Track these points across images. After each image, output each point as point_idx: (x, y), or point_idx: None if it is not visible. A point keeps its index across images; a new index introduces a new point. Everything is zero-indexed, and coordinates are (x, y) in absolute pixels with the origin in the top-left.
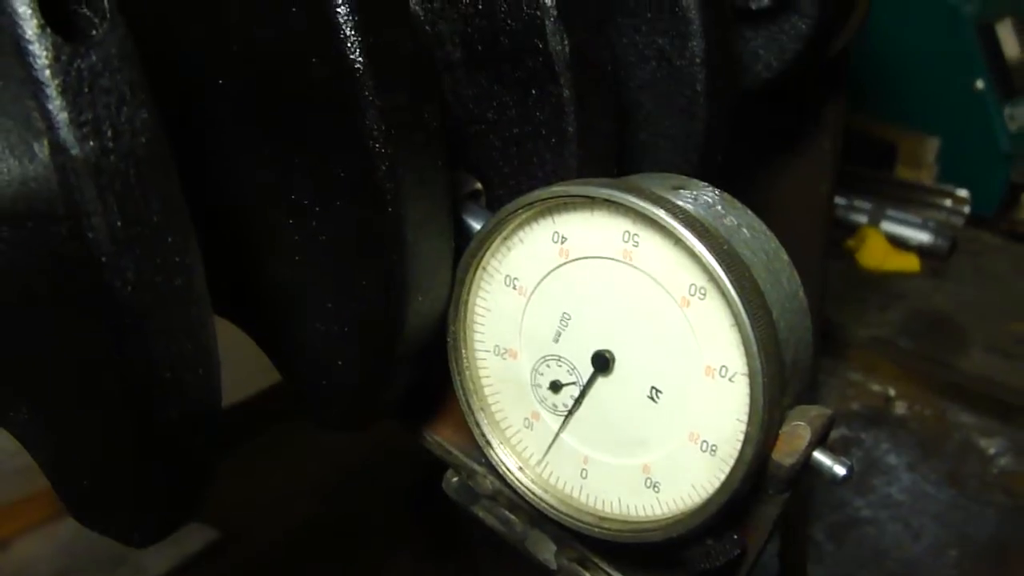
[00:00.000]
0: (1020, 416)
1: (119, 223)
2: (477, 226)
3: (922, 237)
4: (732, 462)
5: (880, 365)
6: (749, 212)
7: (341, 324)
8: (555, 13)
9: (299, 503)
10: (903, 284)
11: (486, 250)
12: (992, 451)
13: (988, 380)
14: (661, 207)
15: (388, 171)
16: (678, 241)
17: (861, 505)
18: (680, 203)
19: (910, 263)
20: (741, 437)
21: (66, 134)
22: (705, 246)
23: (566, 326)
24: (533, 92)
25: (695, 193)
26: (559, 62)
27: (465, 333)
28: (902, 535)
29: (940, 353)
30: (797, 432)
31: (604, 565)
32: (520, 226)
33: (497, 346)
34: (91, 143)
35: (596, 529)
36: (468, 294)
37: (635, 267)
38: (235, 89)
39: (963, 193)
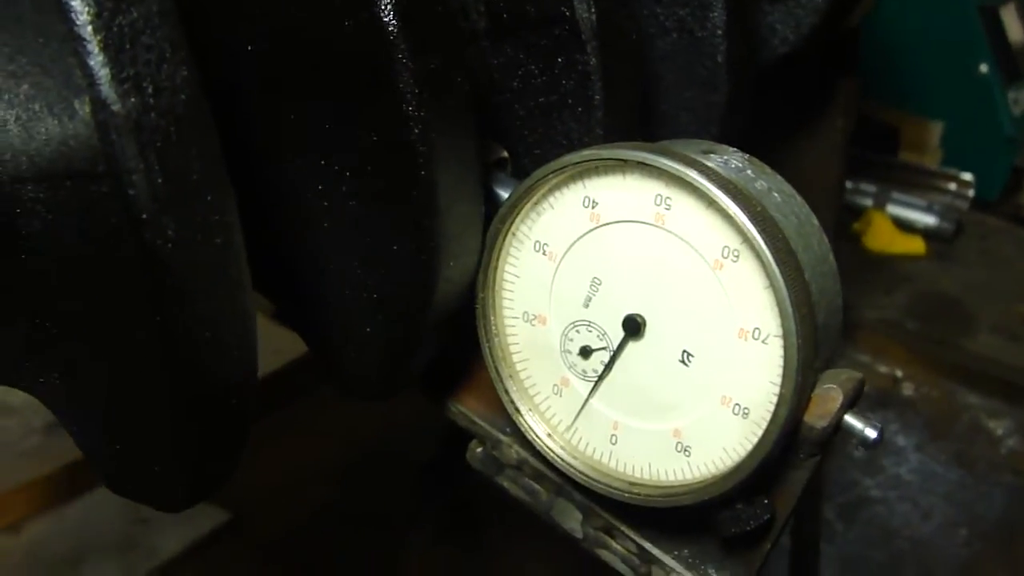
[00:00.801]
0: None
1: (160, 180)
2: (504, 194)
3: (928, 220)
4: (765, 424)
5: (887, 347)
6: (778, 176)
7: (371, 291)
8: None
9: (310, 486)
10: (909, 267)
11: (516, 215)
12: (1000, 432)
13: (995, 361)
14: (695, 169)
15: (421, 134)
16: (711, 203)
17: (870, 485)
18: (711, 165)
19: (916, 246)
20: (774, 399)
21: (108, 90)
22: (739, 207)
23: (596, 291)
24: (559, 61)
25: (725, 157)
26: (586, 30)
27: (494, 300)
28: (911, 515)
29: (947, 335)
30: (829, 395)
31: (630, 533)
32: (550, 191)
33: (526, 312)
34: (132, 99)
35: (627, 494)
36: (497, 260)
37: (667, 230)
38: (266, 54)
39: (967, 177)
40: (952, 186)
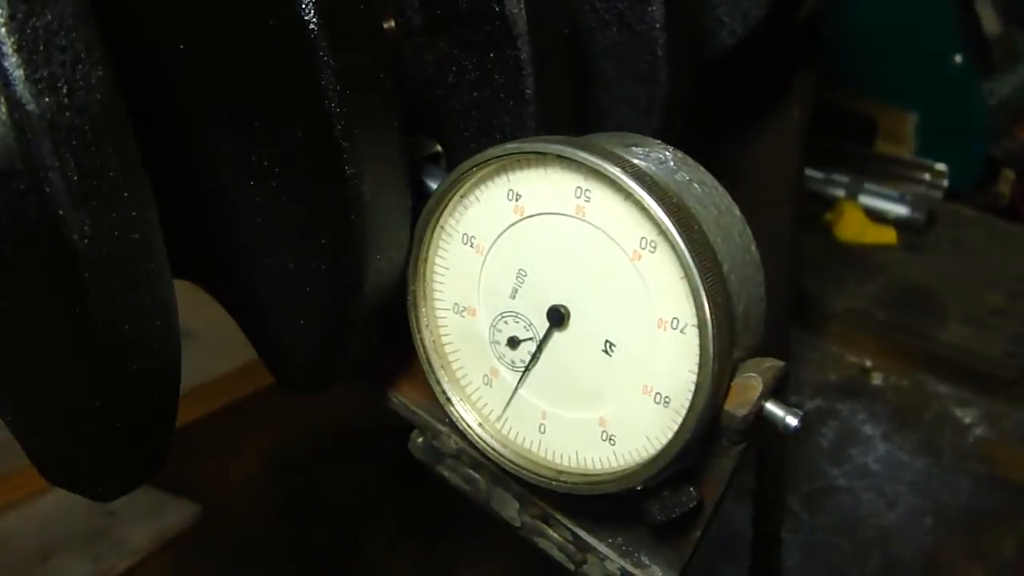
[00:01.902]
0: (995, 386)
1: (75, 178)
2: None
3: (899, 210)
4: (684, 412)
5: (857, 337)
6: (702, 168)
7: (301, 284)
8: None
9: (278, 479)
10: (880, 257)
11: (443, 209)
12: (967, 421)
13: (964, 351)
14: (611, 162)
15: (344, 130)
16: (628, 195)
17: (837, 474)
18: (631, 159)
19: (887, 236)
20: (692, 388)
21: (22, 90)
22: (654, 199)
23: (522, 282)
24: (491, 56)
25: (647, 150)
26: (516, 25)
27: (424, 292)
28: (877, 503)
29: (917, 325)
30: (749, 383)
31: (566, 521)
32: (476, 184)
33: (456, 304)
34: (47, 99)
35: (554, 482)
36: (427, 253)
37: (588, 222)
38: (191, 52)
39: (941, 167)
40: (926, 176)
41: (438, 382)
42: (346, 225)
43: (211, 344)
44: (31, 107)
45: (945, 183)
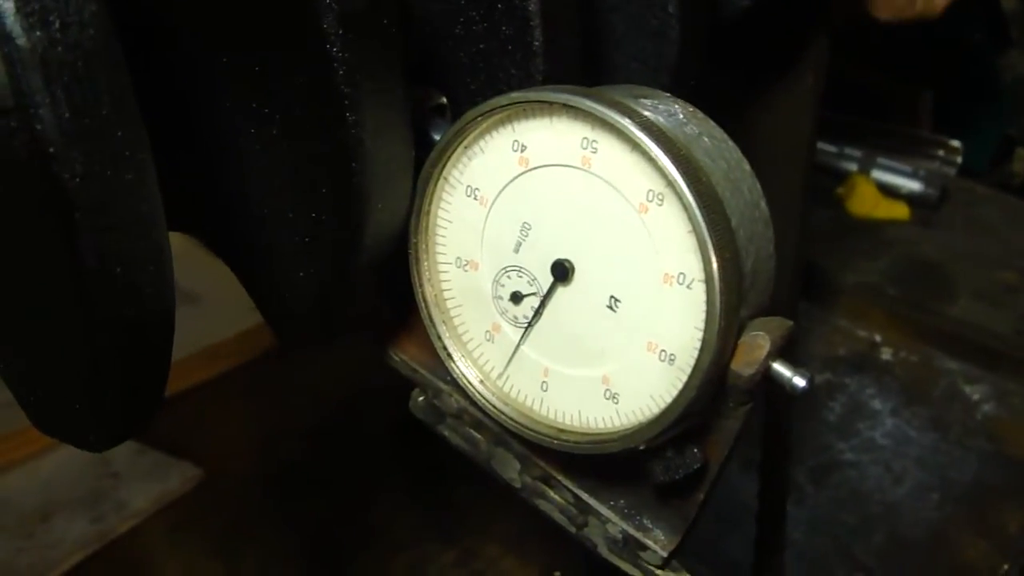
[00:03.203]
0: (1005, 363)
1: (67, 115)
2: None
3: (913, 186)
4: (689, 371)
5: (867, 311)
6: (711, 122)
7: (301, 234)
8: None
9: (281, 443)
10: (892, 232)
11: (447, 160)
12: (976, 397)
13: (975, 327)
14: (619, 112)
15: (346, 76)
16: (636, 146)
17: (844, 448)
18: (640, 110)
19: (900, 211)
20: (698, 345)
21: (12, 23)
22: (662, 150)
23: (526, 236)
24: (499, 6)
25: (656, 102)
26: None
27: (427, 244)
28: (884, 478)
29: (927, 300)
30: (756, 342)
31: (567, 482)
32: (480, 135)
33: (459, 258)
34: (38, 33)
35: (556, 441)
36: (429, 205)
37: (594, 174)
38: None
39: (955, 144)
40: (940, 152)
41: (439, 337)
42: (347, 173)
43: (214, 308)
44: (21, 41)
45: (959, 160)
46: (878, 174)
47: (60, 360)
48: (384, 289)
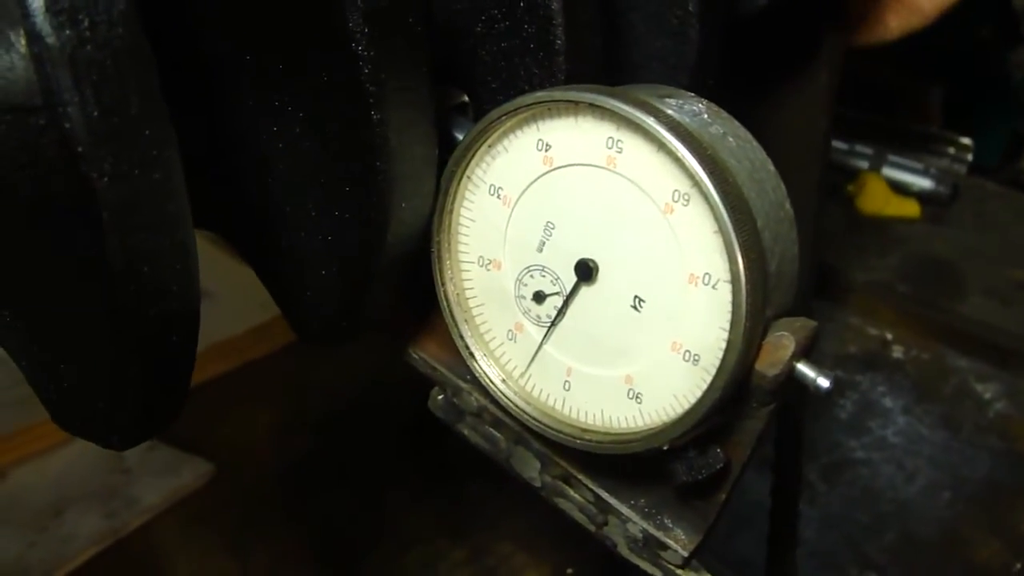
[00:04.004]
0: (1017, 361)
1: (96, 114)
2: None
3: (923, 183)
4: (714, 371)
5: (878, 309)
6: (735, 122)
7: (324, 233)
8: None
9: (294, 439)
10: (903, 230)
11: (471, 159)
12: (988, 395)
13: (986, 325)
14: (646, 112)
15: (371, 74)
16: (662, 146)
17: (855, 446)
18: (665, 110)
19: (910, 209)
20: (723, 346)
21: (42, 23)
22: (689, 150)
23: (550, 235)
24: (521, 5)
25: (681, 102)
26: None
27: (450, 243)
28: (895, 476)
29: (938, 298)
30: (781, 342)
31: (588, 482)
32: (504, 134)
33: (481, 257)
34: (67, 32)
35: (578, 441)
36: (452, 204)
37: (619, 174)
38: None
39: (966, 141)
40: (951, 150)
41: (461, 336)
42: (371, 172)
43: (228, 303)
44: (51, 40)
45: (970, 157)
46: (889, 171)
47: (85, 358)
48: (405, 287)
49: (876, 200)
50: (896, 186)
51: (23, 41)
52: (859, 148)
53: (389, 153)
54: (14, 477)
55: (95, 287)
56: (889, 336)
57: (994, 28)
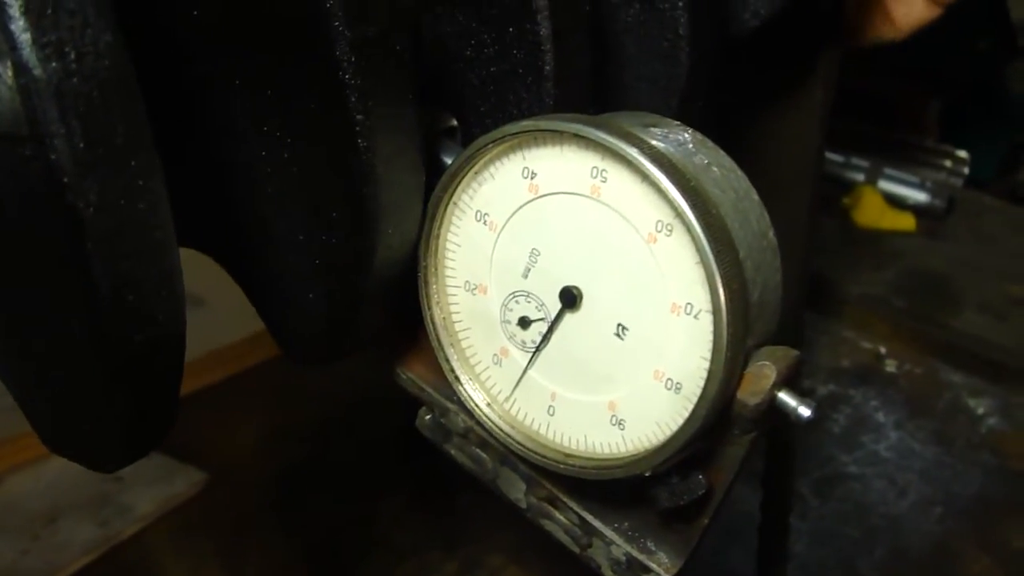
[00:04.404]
0: (1010, 377)
1: (82, 145)
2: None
3: (919, 196)
4: (696, 400)
5: (872, 323)
6: (721, 151)
7: (311, 256)
8: None
9: (285, 448)
10: (898, 243)
11: (457, 185)
12: (981, 411)
13: (980, 340)
14: (629, 143)
15: (359, 103)
16: (645, 177)
17: (847, 461)
18: (649, 140)
19: (906, 222)
20: (705, 375)
21: (29, 55)
22: (671, 182)
23: (535, 262)
24: (510, 30)
25: (666, 131)
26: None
27: (436, 268)
28: (887, 491)
29: (933, 312)
30: (763, 372)
31: (572, 504)
32: (491, 161)
33: (467, 281)
34: (54, 64)
35: (561, 465)
36: (439, 229)
37: (603, 203)
38: (204, 20)
39: (962, 154)
40: (947, 163)
41: (447, 360)
42: (358, 198)
43: (220, 312)
44: (37, 72)
45: (966, 170)
46: (885, 184)
47: (72, 383)
48: (392, 309)
49: (872, 213)
50: (892, 199)
51: (10, 73)
52: (855, 161)
53: (376, 180)
54: (7, 485)
55: (81, 314)
56: (883, 350)
57: (991, 41)
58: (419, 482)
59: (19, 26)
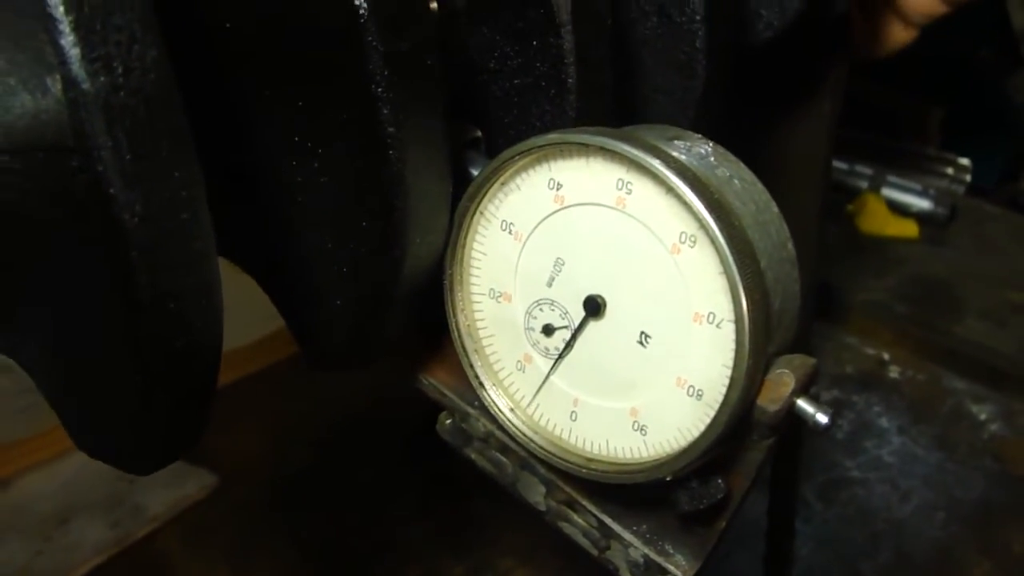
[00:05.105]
0: (1012, 383)
1: (128, 157)
2: (476, 173)
3: (922, 204)
4: (717, 406)
5: (875, 329)
6: (741, 164)
7: (340, 265)
8: None
9: (295, 451)
10: (902, 250)
11: (484, 195)
12: (983, 417)
13: (982, 347)
14: (655, 156)
15: (390, 116)
16: (670, 190)
17: (851, 466)
18: (674, 153)
19: (909, 229)
20: (726, 382)
21: (78, 69)
22: (696, 195)
23: (560, 271)
24: (534, 43)
25: (689, 144)
26: (559, 13)
27: (461, 276)
28: (890, 496)
29: (935, 319)
30: (782, 379)
31: (592, 507)
32: (517, 172)
33: (492, 289)
34: (102, 79)
35: (584, 470)
36: (465, 238)
37: (628, 214)
38: (239, 33)
39: (965, 162)
40: (949, 171)
41: (471, 366)
42: (388, 209)
43: (233, 315)
44: (86, 86)
45: (968, 178)
46: (888, 192)
47: (109, 389)
48: (416, 316)
49: (876, 220)
50: (895, 206)
51: (59, 86)
52: (859, 168)
53: (406, 191)
54: (20, 486)
55: (120, 322)
56: (886, 356)
57: (993, 50)
58: (429, 486)
59: (69, 41)
